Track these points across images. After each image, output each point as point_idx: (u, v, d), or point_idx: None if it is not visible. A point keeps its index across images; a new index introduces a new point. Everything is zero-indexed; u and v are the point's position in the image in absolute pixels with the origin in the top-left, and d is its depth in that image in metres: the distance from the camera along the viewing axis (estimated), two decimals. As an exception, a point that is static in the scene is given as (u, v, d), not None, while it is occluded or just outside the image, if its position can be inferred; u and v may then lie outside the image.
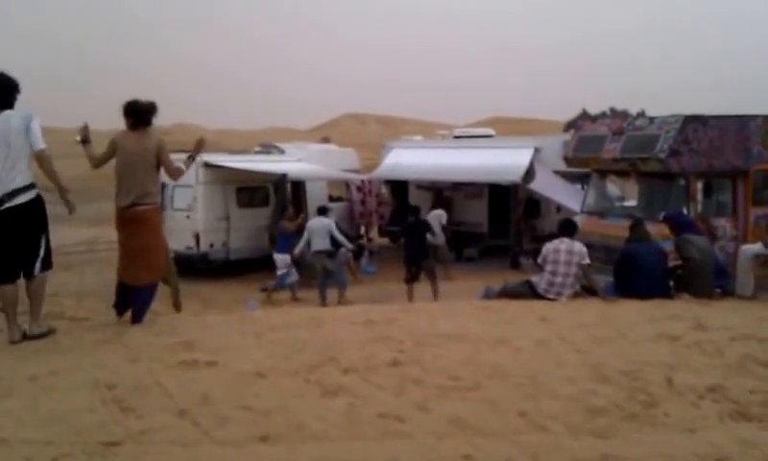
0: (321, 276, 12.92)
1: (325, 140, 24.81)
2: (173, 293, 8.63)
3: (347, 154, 21.29)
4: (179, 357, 4.94)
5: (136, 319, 6.26)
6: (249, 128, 72.54)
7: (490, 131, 24.48)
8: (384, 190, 19.71)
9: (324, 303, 12.46)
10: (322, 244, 13.20)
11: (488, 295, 8.60)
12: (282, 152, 19.23)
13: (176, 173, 6.37)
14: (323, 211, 13.97)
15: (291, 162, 17.74)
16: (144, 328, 6.12)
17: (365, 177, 19.26)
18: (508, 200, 17.29)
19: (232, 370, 4.65)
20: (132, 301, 6.31)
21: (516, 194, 16.83)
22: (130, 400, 4.04)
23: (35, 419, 3.80)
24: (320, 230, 13.33)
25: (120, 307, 6.41)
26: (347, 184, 18.98)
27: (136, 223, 6.14)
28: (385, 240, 19.91)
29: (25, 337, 5.62)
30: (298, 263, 13.52)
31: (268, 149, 19.88)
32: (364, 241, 18.55)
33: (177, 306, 8.65)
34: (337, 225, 14.08)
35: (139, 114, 6.19)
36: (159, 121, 6.43)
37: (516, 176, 16.25)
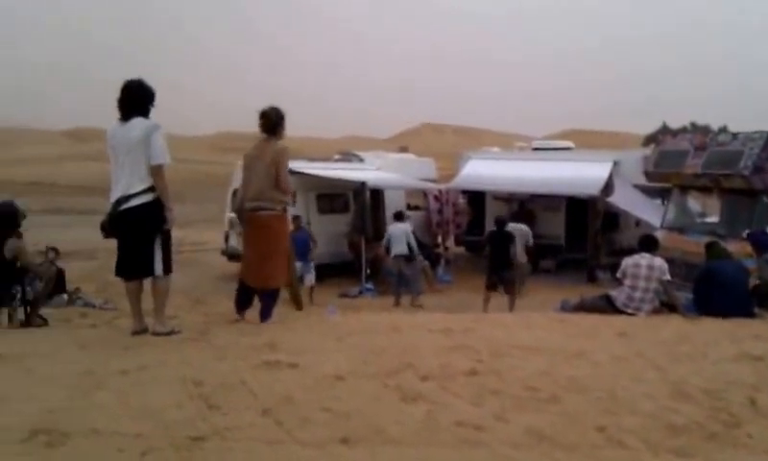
0: (395, 279, 13.07)
1: (403, 150, 24.95)
2: (292, 293, 8.84)
3: (425, 163, 21.36)
4: (262, 357, 5.06)
5: (264, 317, 6.58)
6: (328, 136, 73.65)
7: (569, 143, 24.18)
8: (461, 200, 19.68)
9: (397, 303, 12.65)
10: (400, 249, 13.34)
11: (564, 308, 8.53)
12: (362, 160, 19.45)
13: (285, 188, 6.53)
14: (399, 217, 14.09)
15: (370, 171, 17.93)
16: (229, 328, 6.33)
17: (442, 186, 19.28)
18: (586, 213, 17.04)
19: (313, 372, 4.73)
20: (259, 300, 6.65)
21: (595, 207, 16.58)
22: (215, 397, 4.16)
23: (125, 412, 3.94)
24: (398, 235, 13.47)
25: (240, 306, 6.67)
26: (424, 193, 19.04)
27: (260, 228, 6.40)
28: (461, 249, 19.86)
29: (153, 334, 5.90)
30: (376, 267, 13.69)
31: (348, 157, 20.13)
32: (440, 250, 18.57)
33: (298, 305, 8.83)
34: (413, 233, 14.18)
35: (264, 122, 6.45)
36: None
37: (594, 189, 16.04)
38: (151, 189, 5.80)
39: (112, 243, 6.18)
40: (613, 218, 17.56)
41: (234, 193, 16.03)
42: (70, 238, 17.76)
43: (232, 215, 6.94)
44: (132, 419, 3.82)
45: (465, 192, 19.62)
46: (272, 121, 6.54)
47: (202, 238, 19.71)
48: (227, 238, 16.80)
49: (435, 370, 4.80)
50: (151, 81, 6.00)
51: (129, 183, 5.74)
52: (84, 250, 17.62)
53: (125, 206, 5.76)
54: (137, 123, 5.79)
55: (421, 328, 6.40)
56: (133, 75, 5.95)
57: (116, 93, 5.91)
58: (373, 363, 4.99)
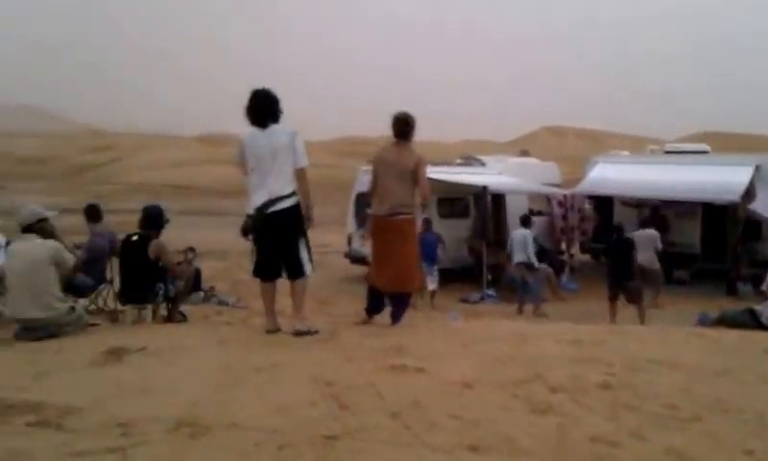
0: (519, 286, 12.89)
1: (524, 153, 24.55)
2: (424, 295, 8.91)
3: (548, 167, 20.94)
4: (389, 361, 5.12)
5: (395, 320, 6.69)
6: (448, 140, 73.62)
7: (704, 146, 23.06)
8: (587, 205, 19.14)
9: (520, 310, 12.50)
10: (522, 256, 13.14)
11: (703, 322, 8.16)
12: (483, 164, 19.29)
13: (427, 193, 6.63)
14: (526, 222, 13.87)
15: (492, 175, 17.75)
16: (355, 330, 6.44)
17: (567, 191, 18.83)
18: (724, 220, 16.13)
19: (440, 378, 4.74)
20: (391, 304, 6.76)
21: (735, 214, 15.68)
22: (345, 397, 4.25)
23: (262, 407, 4.09)
24: (520, 241, 13.28)
25: (370, 310, 6.80)
26: (548, 199, 18.65)
27: (391, 232, 6.51)
28: (587, 257, 19.33)
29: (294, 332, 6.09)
30: (497, 273, 13.57)
31: (469, 161, 20.02)
32: (565, 257, 18.15)
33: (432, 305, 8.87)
34: (534, 239, 13.93)
35: (398, 127, 6.55)
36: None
37: (734, 194, 15.16)
38: (294, 193, 6.01)
39: (244, 244, 6.43)
40: (756, 226, 16.52)
41: (358, 197, 16.32)
42: (203, 239, 18.56)
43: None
44: (268, 414, 3.96)
45: (591, 197, 19.06)
46: (407, 126, 6.60)
47: (324, 240, 20.18)
48: (349, 241, 17.06)
49: (565, 382, 4.70)
50: (277, 86, 6.20)
51: (275, 187, 5.95)
52: (217, 250, 18.38)
53: (272, 209, 5.97)
54: (279, 129, 6.03)
55: (549, 338, 6.28)
56: (258, 82, 6.17)
57: (243, 102, 6.15)
58: (500, 372, 4.95)
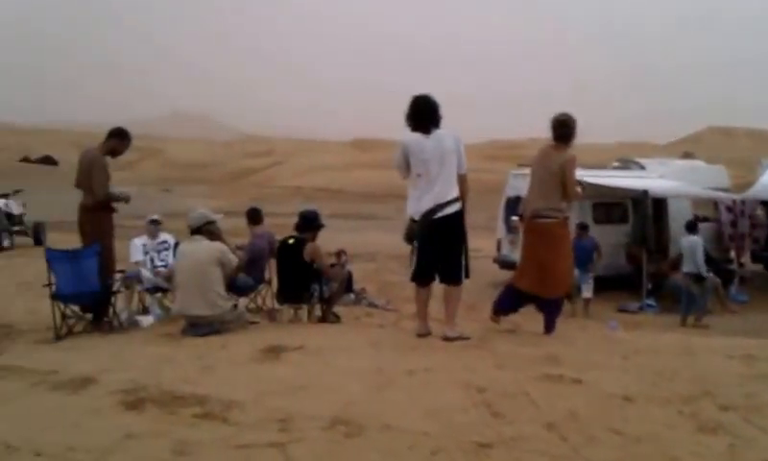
0: (685, 298, 12.25)
1: (688, 155, 23.19)
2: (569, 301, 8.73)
3: (715, 171, 19.65)
4: (543, 370, 5.00)
5: (548, 329, 6.57)
6: (602, 142, 71.21)
7: None
8: (760, 212, 17.81)
9: (684, 322, 11.87)
10: (691, 265, 12.49)
11: None
12: (642, 168, 18.46)
13: (573, 195, 6.49)
14: (692, 228, 13.15)
15: (652, 179, 16.95)
16: (507, 337, 6.35)
17: (737, 196, 17.63)
18: None
19: (599, 390, 4.57)
20: (542, 311, 6.64)
21: None
22: (499, 405, 4.18)
23: (414, 410, 4.10)
24: (689, 249, 12.62)
25: (500, 309, 6.72)
26: (715, 204, 17.54)
27: (540, 235, 6.41)
28: (759, 267, 18.05)
29: (443, 338, 6.09)
30: (658, 282, 12.93)
31: (627, 164, 19.24)
32: (734, 266, 16.99)
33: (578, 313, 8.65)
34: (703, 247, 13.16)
35: (556, 129, 6.44)
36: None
37: None
38: (459, 198, 6.01)
39: (391, 247, 6.50)
40: None
41: (508, 201, 16.07)
42: (353, 241, 18.97)
43: (515, 219, 6.95)
44: (421, 418, 3.97)
45: (764, 203, 17.73)
46: (566, 128, 6.42)
47: (474, 245, 20.07)
48: (499, 246, 16.87)
49: (737, 400, 4.38)
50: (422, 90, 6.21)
51: (441, 193, 5.97)
52: (366, 252, 18.73)
53: (439, 214, 5.98)
54: (444, 133, 6.04)
55: (718, 353, 5.89)
56: (413, 89, 6.17)
57: (403, 108, 6.18)
58: (665, 387, 4.69)
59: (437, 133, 6.02)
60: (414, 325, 6.70)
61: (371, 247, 19.60)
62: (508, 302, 6.74)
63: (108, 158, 7.39)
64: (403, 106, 6.19)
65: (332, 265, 8.29)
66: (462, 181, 6.06)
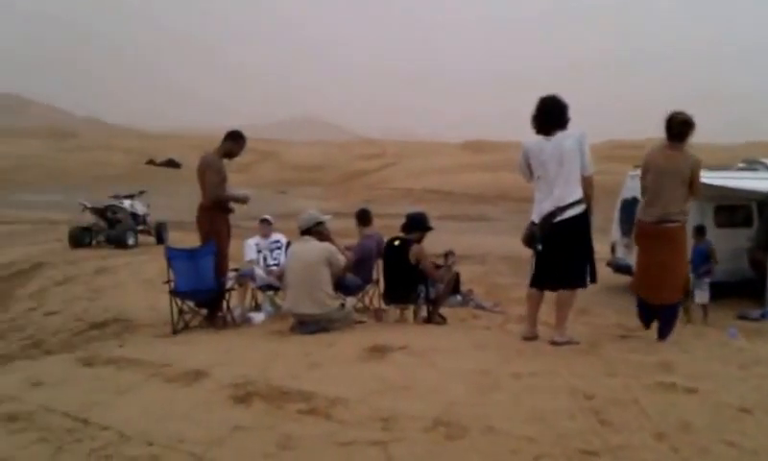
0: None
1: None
2: (685, 310, 8.43)
3: None
4: (656, 378, 4.82)
5: (662, 335, 6.35)
6: (728, 142, 67.84)
7: None
8: None
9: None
10: None
11: None
12: (770, 168, 17.51)
13: (699, 194, 6.31)
14: None
15: (780, 180, 16.01)
16: (619, 343, 6.16)
17: None
18: None
19: (714, 400, 4.36)
20: (657, 317, 6.42)
21: None
22: (607, 412, 4.07)
23: (519, 414, 4.04)
24: None
25: (646, 320, 6.53)
26: None
27: (660, 239, 6.19)
28: None
29: (551, 343, 6.00)
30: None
31: (753, 165, 18.28)
32: None
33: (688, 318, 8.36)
34: None
35: (674, 128, 6.21)
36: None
37: None
38: (581, 201, 5.85)
39: (501, 249, 6.42)
40: None
41: (623, 203, 15.57)
42: (463, 243, 18.85)
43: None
44: (525, 422, 3.91)
45: None
46: (685, 126, 6.14)
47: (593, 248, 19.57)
48: (613, 249, 16.34)
49: None
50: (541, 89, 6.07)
51: (562, 195, 5.83)
52: (475, 254, 18.59)
53: (560, 217, 5.86)
54: (567, 135, 5.86)
55: None
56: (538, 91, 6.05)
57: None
58: (787, 398, 4.43)
59: (558, 135, 5.86)
60: (520, 327, 6.60)
61: (480, 249, 19.43)
62: (647, 311, 6.52)
63: (225, 161, 7.69)
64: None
65: (438, 266, 8.25)
66: (586, 183, 5.86)
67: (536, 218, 6.00)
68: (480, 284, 14.47)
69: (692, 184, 6.09)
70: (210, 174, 7.50)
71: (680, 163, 6.07)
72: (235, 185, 7.87)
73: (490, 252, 18.59)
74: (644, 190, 6.35)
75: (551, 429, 3.79)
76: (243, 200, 7.78)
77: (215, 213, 7.54)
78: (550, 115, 5.92)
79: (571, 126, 5.95)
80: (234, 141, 7.77)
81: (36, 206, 35.26)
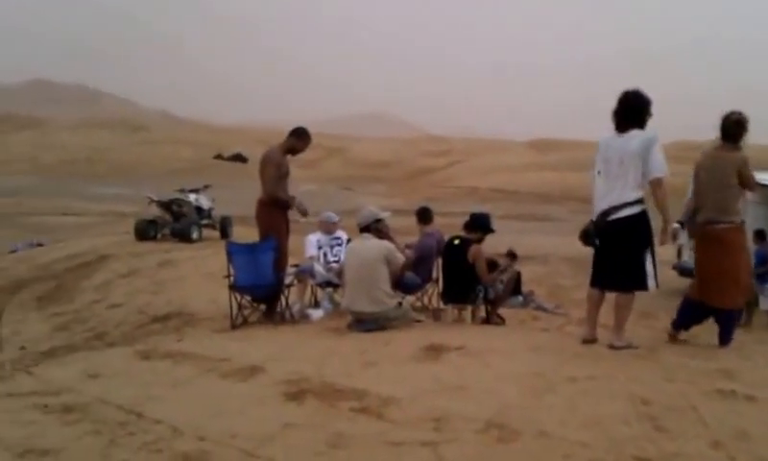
0: None
1: None
2: (746, 312, 8.21)
3: None
4: (715, 385, 4.69)
5: (723, 341, 6.18)
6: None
7: None
8: None
9: None
10: None
11: None
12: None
13: (754, 186, 6.14)
14: None
15: None
16: (679, 348, 6.01)
17: None
18: None
19: (776, 409, 4.23)
20: (716, 322, 6.26)
21: None
22: (663, 419, 3.98)
23: (573, 419, 3.99)
24: None
25: (680, 324, 6.38)
26: None
27: (712, 241, 6.05)
28: None
29: (609, 347, 5.89)
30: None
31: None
32: None
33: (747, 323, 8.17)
34: None
35: (726, 128, 6.05)
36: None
37: None
38: (640, 201, 5.69)
39: (565, 250, 6.31)
40: None
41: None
42: (526, 243, 18.64)
43: (677, 226, 6.50)
44: (579, 427, 3.86)
45: None
46: (737, 127, 5.96)
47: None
48: (679, 253, 15.92)
49: None
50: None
51: (619, 195, 5.70)
52: (538, 255, 18.35)
53: (614, 216, 5.74)
54: (635, 134, 5.71)
55: None
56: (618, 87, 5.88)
57: (612, 105, 5.90)
58: None
59: (630, 133, 5.71)
60: (580, 330, 6.50)
61: (543, 249, 19.17)
62: (688, 315, 6.35)
63: (289, 157, 7.77)
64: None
65: (494, 265, 8.13)
66: (654, 186, 5.65)
67: (594, 215, 5.90)
68: (542, 285, 14.29)
69: (742, 181, 5.92)
70: (270, 169, 7.59)
71: (726, 164, 5.92)
72: (300, 181, 7.94)
73: (553, 252, 18.32)
74: (695, 192, 6.20)
75: (605, 435, 3.73)
76: (302, 212, 7.86)
77: (274, 208, 7.63)
78: (627, 111, 5.77)
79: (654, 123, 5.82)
80: (298, 138, 7.85)
81: (106, 198, 36.39)
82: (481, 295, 7.67)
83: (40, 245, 16.99)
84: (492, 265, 7.79)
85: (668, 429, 3.82)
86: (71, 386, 4.85)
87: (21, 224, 24.54)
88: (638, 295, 5.90)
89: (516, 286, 11.74)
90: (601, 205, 5.82)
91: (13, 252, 16.25)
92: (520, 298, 11.99)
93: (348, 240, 8.64)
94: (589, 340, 6.04)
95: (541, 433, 3.75)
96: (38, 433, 3.85)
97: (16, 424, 4.03)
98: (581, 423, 3.92)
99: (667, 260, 16.62)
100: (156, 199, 16.29)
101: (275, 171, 7.59)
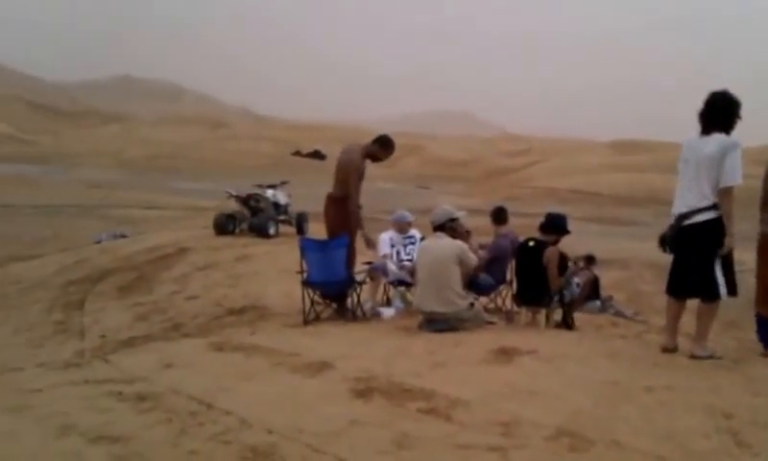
0: None
1: None
2: None
3: None
4: (805, 401, 4.45)
5: None
6: None
7: None
8: None
9: None
10: None
11: None
12: None
13: None
14: None
15: None
16: (765, 360, 5.72)
17: None
18: None
19: None
20: None
21: None
22: (745, 434, 3.81)
23: (648, 430, 3.86)
24: None
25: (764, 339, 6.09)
26: None
27: None
28: None
29: (690, 357, 5.69)
30: None
31: None
32: None
33: None
34: None
35: None
36: None
37: None
38: (713, 207, 5.45)
39: (647, 254, 6.11)
40: None
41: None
42: (607, 247, 18.23)
43: None
44: (655, 439, 3.73)
45: None
46: None
47: (739, 258, 18.41)
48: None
49: None
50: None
51: (694, 199, 5.51)
52: (619, 259, 17.94)
53: (687, 222, 5.55)
54: (715, 138, 5.47)
55: None
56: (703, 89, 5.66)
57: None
58: None
59: (711, 137, 5.48)
60: (660, 338, 6.27)
61: (624, 253, 18.71)
62: (764, 330, 6.05)
63: (368, 161, 7.78)
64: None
65: (562, 265, 7.91)
66: (721, 194, 5.41)
67: (671, 219, 5.70)
68: (622, 291, 13.96)
69: None
70: (353, 177, 7.60)
71: None
72: (377, 179, 7.93)
73: (634, 256, 17.85)
74: (764, 200, 5.90)
75: (682, 448, 3.60)
76: (369, 243, 7.88)
77: (343, 205, 7.65)
78: (712, 113, 5.53)
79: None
80: (382, 146, 7.86)
81: (187, 192, 37.37)
82: (556, 298, 7.50)
83: (123, 236, 17.55)
84: (562, 264, 7.56)
85: (750, 445, 3.67)
86: (145, 375, 4.97)
87: (106, 215, 25.47)
88: (725, 304, 5.65)
89: (593, 291, 11.50)
90: (677, 208, 5.63)
91: (98, 242, 16.82)
92: (598, 303, 11.74)
93: (422, 239, 8.58)
94: (669, 349, 5.81)
95: (615, 443, 3.64)
96: (112, 420, 3.95)
97: (91, 410, 4.15)
98: (657, 434, 3.79)
99: (751, 268, 16.03)
100: (234, 194, 16.58)
101: (357, 179, 7.62)
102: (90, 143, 70.31)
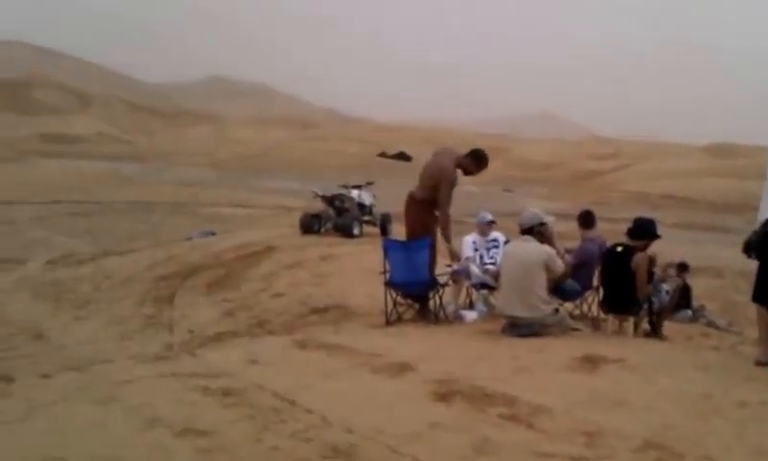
0: None
1: None
2: None
3: None
4: None
5: None
6: None
7: None
8: None
9: None
10: None
11: None
12: None
13: None
14: None
15: None
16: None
17: None
18: None
19: None
20: None
21: None
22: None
23: (741, 446, 3.73)
24: None
25: None
26: None
27: None
28: None
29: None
30: None
31: None
32: None
33: None
34: None
35: None
36: None
37: None
38: None
39: (742, 263, 5.87)
40: None
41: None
42: (699, 255, 17.59)
43: None
44: (747, 455, 3.63)
45: None
46: None
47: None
48: None
49: None
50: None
51: None
52: (713, 267, 17.30)
53: None
54: None
55: None
56: None
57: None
58: None
59: None
60: (755, 351, 6.01)
61: (719, 261, 18.00)
62: None
63: (459, 172, 7.74)
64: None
65: (656, 272, 7.65)
66: None
67: (757, 224, 5.47)
68: (715, 300, 13.46)
69: None
70: (446, 188, 7.50)
71: None
72: (462, 182, 7.84)
73: (729, 265, 17.14)
74: None
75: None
76: (453, 256, 7.82)
77: (425, 207, 7.62)
78: None
79: None
80: (476, 161, 7.78)
81: (275, 192, 38.08)
82: (645, 306, 7.27)
83: (213, 234, 18.02)
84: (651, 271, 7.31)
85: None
86: (231, 370, 5.08)
87: (197, 213, 26.25)
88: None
89: (684, 299, 11.10)
90: (764, 213, 5.40)
91: (189, 239, 17.32)
92: (689, 312, 11.34)
93: (506, 242, 8.47)
94: (764, 362, 5.56)
95: (705, 459, 3.52)
96: (197, 414, 4.05)
97: (178, 403, 4.26)
98: (750, 451, 3.68)
99: None
100: (320, 194, 16.80)
101: (450, 191, 7.56)
102: (183, 143, 72.58)
